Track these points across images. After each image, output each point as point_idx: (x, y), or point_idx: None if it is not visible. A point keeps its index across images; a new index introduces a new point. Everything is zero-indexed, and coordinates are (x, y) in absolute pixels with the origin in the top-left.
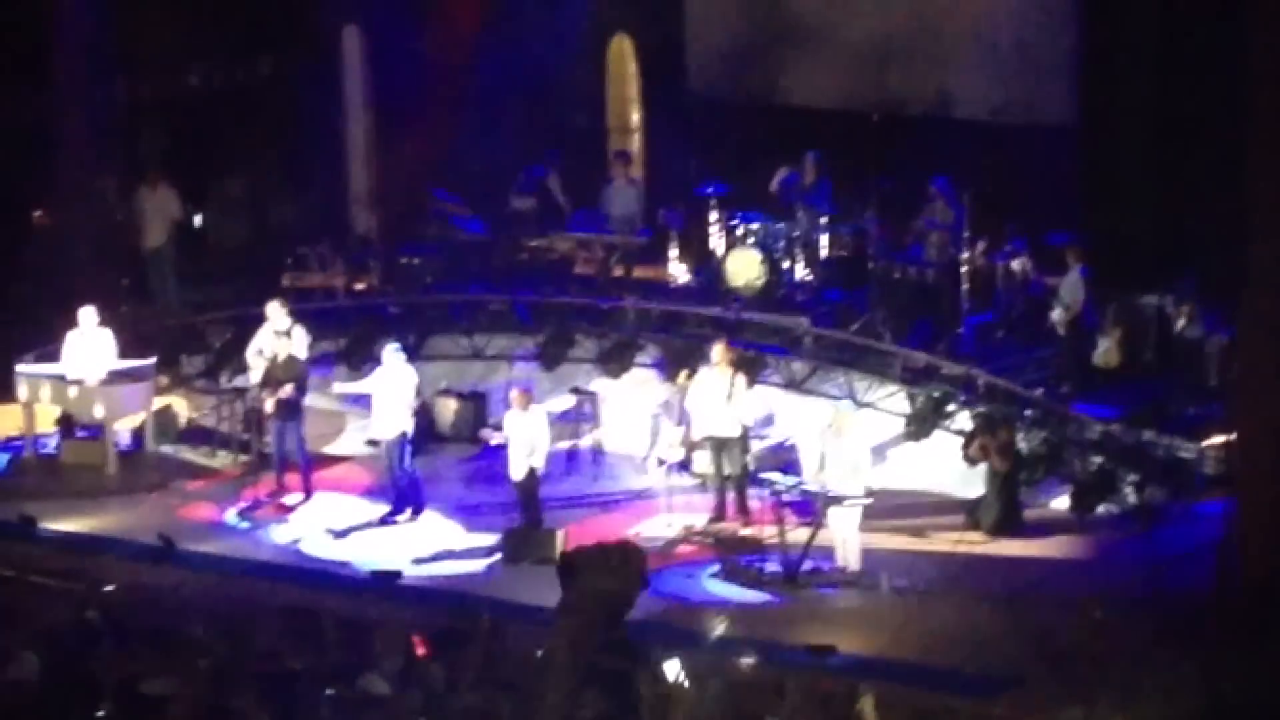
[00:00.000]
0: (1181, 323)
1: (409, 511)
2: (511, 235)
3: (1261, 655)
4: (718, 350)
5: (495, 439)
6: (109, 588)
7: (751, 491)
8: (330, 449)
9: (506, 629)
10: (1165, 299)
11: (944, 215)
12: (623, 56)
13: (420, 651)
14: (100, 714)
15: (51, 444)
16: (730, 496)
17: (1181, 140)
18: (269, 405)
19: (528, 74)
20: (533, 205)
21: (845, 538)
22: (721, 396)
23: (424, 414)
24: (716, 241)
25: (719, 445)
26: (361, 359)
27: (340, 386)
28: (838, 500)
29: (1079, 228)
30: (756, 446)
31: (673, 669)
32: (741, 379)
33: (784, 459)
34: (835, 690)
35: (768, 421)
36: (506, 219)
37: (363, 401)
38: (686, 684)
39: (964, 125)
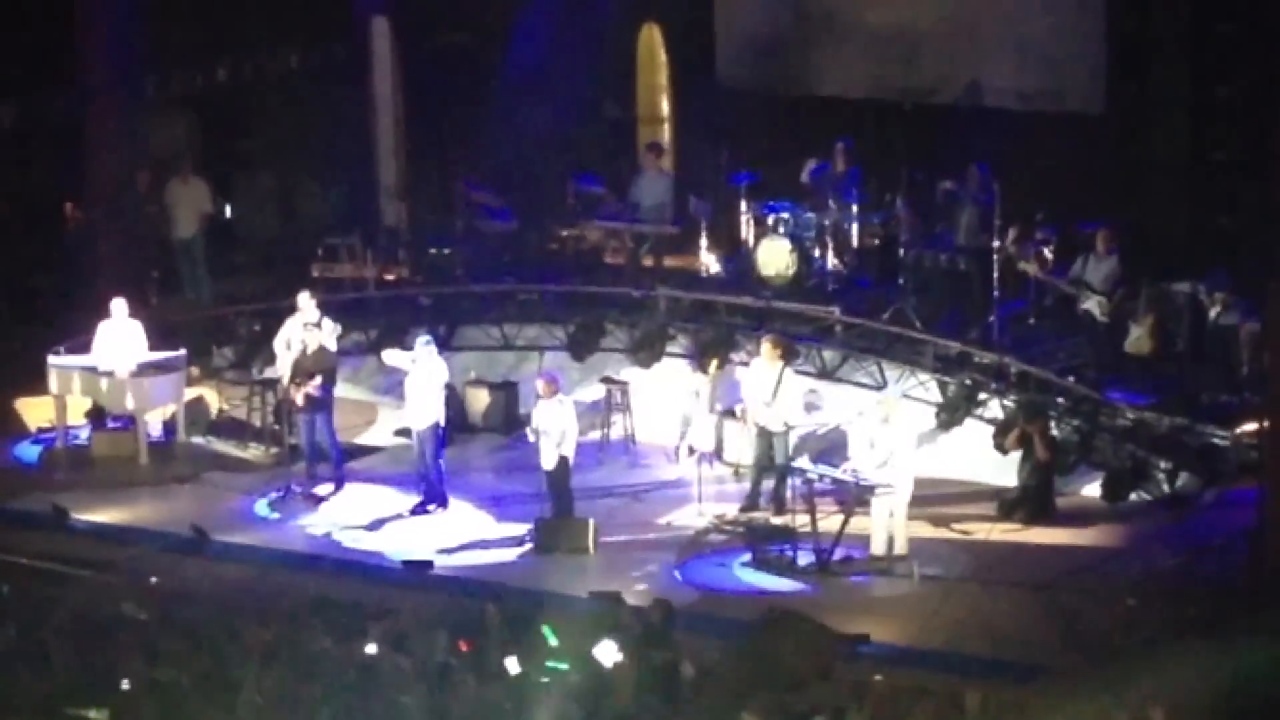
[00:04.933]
0: (1216, 310)
1: (435, 504)
2: (541, 225)
3: None
4: (767, 344)
5: (533, 435)
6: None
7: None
8: (361, 440)
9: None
10: (1197, 286)
11: (975, 193)
12: (652, 46)
13: (464, 647)
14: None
15: (83, 435)
16: (767, 486)
17: (1210, 128)
18: (299, 397)
19: (557, 63)
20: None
21: (892, 519)
22: (769, 390)
23: (455, 404)
24: (747, 231)
25: (766, 436)
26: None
27: (389, 356)
28: (870, 489)
29: (1109, 215)
30: (793, 435)
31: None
32: (790, 373)
33: (821, 446)
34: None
35: (807, 410)
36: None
37: (393, 392)
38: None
39: (994, 114)
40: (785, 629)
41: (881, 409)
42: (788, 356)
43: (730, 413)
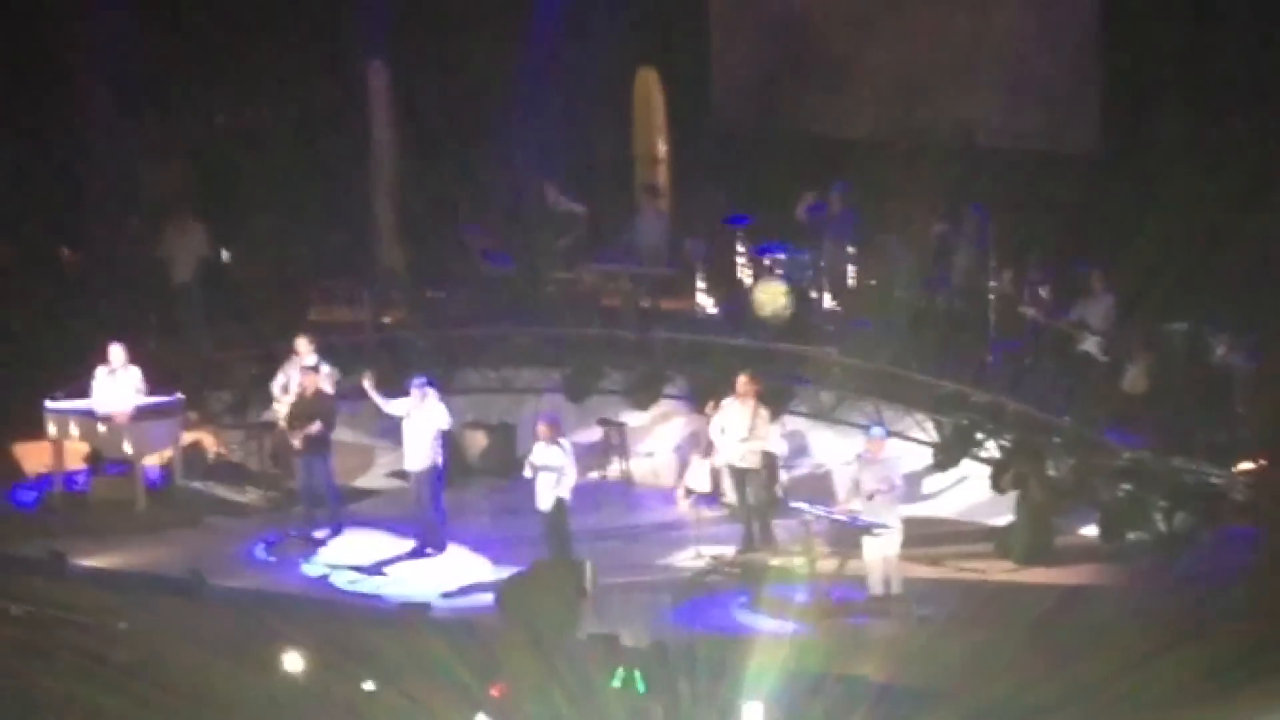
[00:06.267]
0: (1221, 350)
1: (432, 546)
2: (538, 268)
3: None
4: (741, 382)
5: (530, 471)
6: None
7: (781, 521)
8: (359, 483)
9: None
10: (1198, 327)
11: (971, 235)
12: (648, 88)
13: (494, 693)
14: None
15: (81, 480)
16: (756, 527)
17: (1205, 166)
18: (297, 440)
19: (554, 107)
20: (569, 241)
21: (886, 560)
22: (744, 428)
23: (451, 447)
24: (743, 272)
25: (741, 476)
26: (389, 393)
27: (371, 390)
28: (867, 529)
29: (1105, 256)
30: (786, 476)
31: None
32: (765, 411)
33: (816, 488)
34: None
35: (800, 451)
36: (534, 252)
37: (391, 435)
38: None
39: (990, 154)
40: (530, 584)
41: (867, 450)
42: (762, 395)
43: None
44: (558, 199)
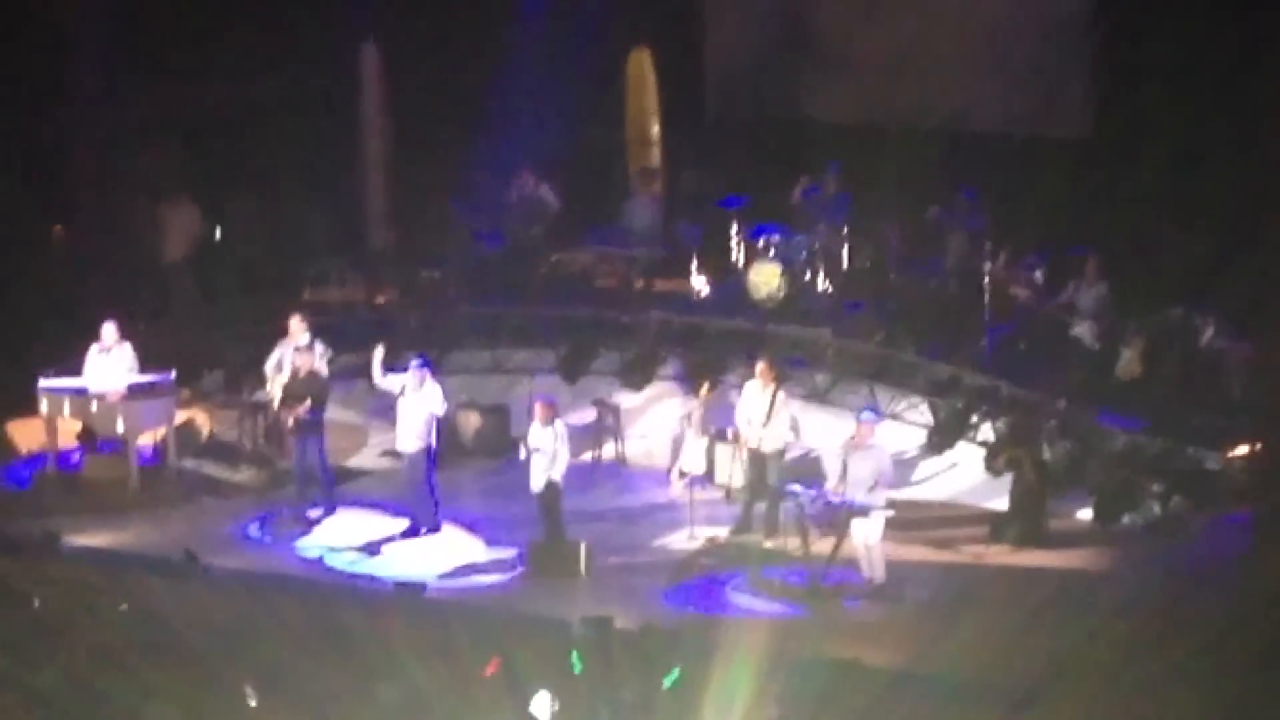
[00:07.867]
0: (1209, 334)
1: (426, 527)
2: (532, 249)
3: None
4: (761, 367)
5: (524, 451)
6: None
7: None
8: (352, 463)
9: None
10: (1189, 311)
11: (965, 218)
12: (643, 70)
13: (491, 670)
14: None
15: (74, 459)
16: (759, 509)
17: (1197, 150)
18: (290, 420)
19: (547, 88)
20: (541, 230)
21: (869, 548)
22: (764, 412)
23: (445, 428)
24: (737, 254)
25: (761, 459)
26: (382, 373)
27: (378, 361)
28: (861, 512)
29: (1099, 240)
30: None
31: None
32: (784, 395)
33: (808, 471)
34: None
35: (793, 434)
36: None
37: (384, 415)
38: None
39: (983, 138)
40: None
41: (857, 434)
42: (781, 379)
43: (721, 435)
44: (537, 186)
